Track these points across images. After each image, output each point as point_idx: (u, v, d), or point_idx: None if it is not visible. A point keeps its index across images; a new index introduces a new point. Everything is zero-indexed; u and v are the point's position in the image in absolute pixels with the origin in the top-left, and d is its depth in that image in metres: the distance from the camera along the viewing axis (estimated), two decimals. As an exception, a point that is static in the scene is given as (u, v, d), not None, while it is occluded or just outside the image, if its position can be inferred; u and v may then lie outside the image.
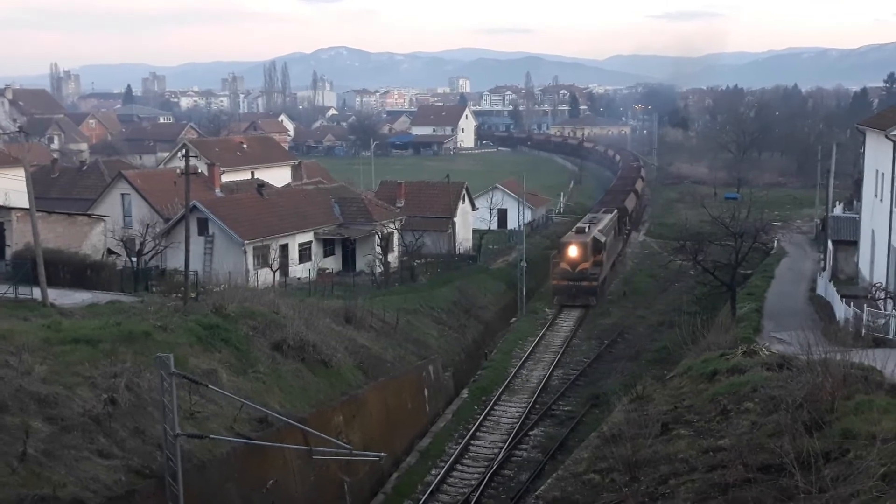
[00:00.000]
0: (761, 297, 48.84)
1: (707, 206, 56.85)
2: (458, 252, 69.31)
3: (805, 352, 22.19)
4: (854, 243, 50.97)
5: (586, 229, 59.79)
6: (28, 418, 19.55)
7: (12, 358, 21.66)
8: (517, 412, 39.05)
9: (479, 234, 73.85)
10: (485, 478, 31.37)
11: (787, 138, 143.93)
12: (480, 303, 55.74)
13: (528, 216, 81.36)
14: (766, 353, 27.80)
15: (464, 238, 72.85)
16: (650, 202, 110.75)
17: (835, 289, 43.54)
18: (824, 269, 52.85)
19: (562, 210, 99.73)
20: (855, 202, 64.28)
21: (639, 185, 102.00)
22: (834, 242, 52.73)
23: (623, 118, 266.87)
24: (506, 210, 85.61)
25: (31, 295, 31.90)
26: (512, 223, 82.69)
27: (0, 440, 18.43)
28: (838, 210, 62.77)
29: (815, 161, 78.95)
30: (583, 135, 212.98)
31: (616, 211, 72.92)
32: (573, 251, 56.64)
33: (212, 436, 21.99)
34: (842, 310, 38.56)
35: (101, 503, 18.33)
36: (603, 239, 59.82)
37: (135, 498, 19.33)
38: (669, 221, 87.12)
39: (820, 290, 48.67)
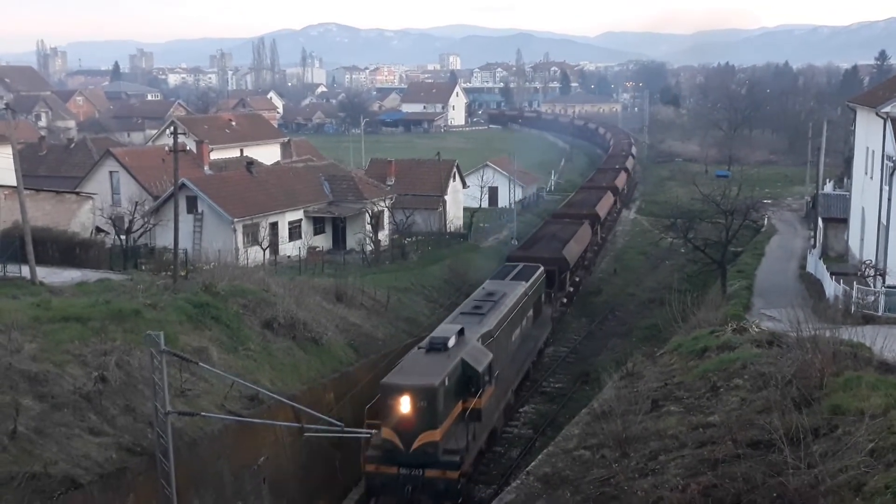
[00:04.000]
0: (751, 274, 49.03)
1: (698, 184, 56.80)
2: (448, 230, 69.20)
3: (795, 329, 22.30)
4: (844, 221, 51.13)
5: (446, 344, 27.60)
6: (18, 396, 19.51)
7: (1, 336, 21.58)
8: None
9: (469, 212, 73.71)
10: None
11: (778, 116, 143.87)
12: (471, 280, 55.76)
13: (519, 194, 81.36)
14: (756, 330, 27.94)
15: (454, 216, 72.72)
16: (641, 180, 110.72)
17: (825, 266, 43.70)
18: (814, 246, 53.03)
19: (553, 188, 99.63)
20: (845, 179, 64.47)
21: (629, 163, 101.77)
22: (824, 220, 52.88)
23: (614, 95, 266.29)
24: (497, 188, 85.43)
25: (20, 273, 31.73)
26: (503, 201, 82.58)
27: (-10, 418, 18.37)
28: (829, 188, 62.86)
29: (806, 139, 78.92)
30: (574, 112, 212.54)
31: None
32: (405, 405, 24.77)
33: (203, 413, 22.00)
34: (831, 287, 38.71)
35: (92, 480, 18.34)
36: (485, 363, 28.21)
37: (126, 475, 19.35)
38: (661, 199, 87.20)
39: (810, 268, 48.84)
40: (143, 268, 42.06)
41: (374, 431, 23.62)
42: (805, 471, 15.15)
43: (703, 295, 40.14)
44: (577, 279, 54.86)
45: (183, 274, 34.53)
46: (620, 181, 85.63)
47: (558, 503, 16.64)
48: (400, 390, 24.78)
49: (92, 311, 25.31)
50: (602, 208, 67.82)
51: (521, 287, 37.72)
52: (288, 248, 56.77)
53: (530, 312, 38.82)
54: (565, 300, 49.69)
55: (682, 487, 15.74)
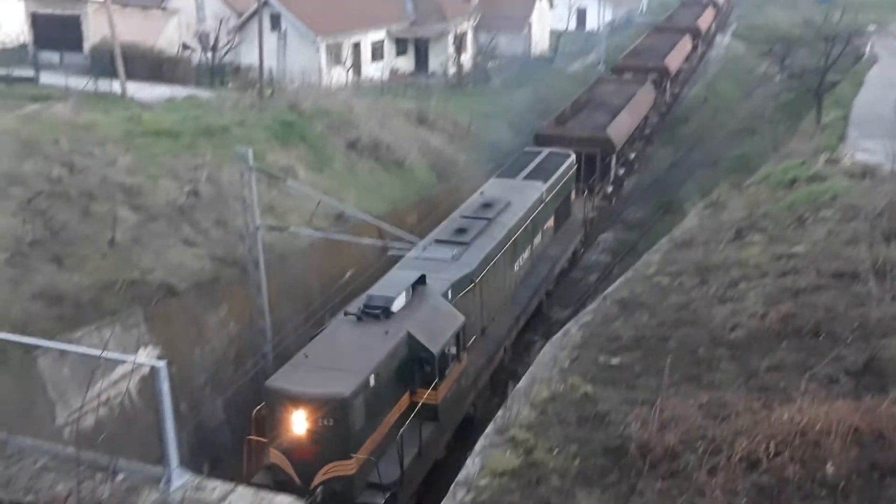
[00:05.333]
0: (848, 104, 46.86)
1: (799, 8, 53.65)
2: (533, 54, 67.43)
3: (890, 161, 21.52)
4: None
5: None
6: (115, 207, 20.29)
7: (97, 149, 22.24)
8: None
9: (556, 35, 71.46)
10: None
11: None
12: (555, 106, 54.83)
13: (608, 16, 78.20)
14: (849, 161, 27.08)
15: (540, 39, 70.60)
16: (738, 2, 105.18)
17: (928, 98, 41.53)
18: (919, 77, 50.22)
19: (644, 10, 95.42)
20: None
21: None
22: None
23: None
24: (585, 10, 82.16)
25: (111, 88, 32.32)
26: (591, 24, 79.64)
27: (90, 227, 19.25)
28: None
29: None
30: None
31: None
32: (300, 424, 15.59)
33: (291, 228, 22.67)
34: (933, 120, 36.94)
35: (187, 288, 19.27)
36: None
37: (219, 284, 20.26)
38: (759, 23, 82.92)
39: (912, 100, 46.47)
40: (229, 85, 42.37)
41: (454, 252, 21.87)
42: (889, 303, 15.01)
43: (796, 125, 38.82)
44: (632, 157, 44.02)
45: (268, 93, 34.73)
46: (705, 20, 71.13)
47: (635, 325, 16.90)
48: (292, 400, 15.43)
49: (182, 126, 25.82)
50: (674, 60, 55.35)
51: (537, 191, 27.69)
52: (370, 70, 56.28)
53: (549, 223, 29.47)
54: (610, 189, 38.84)
55: (761, 315, 15.78)
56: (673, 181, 44.73)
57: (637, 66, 52.41)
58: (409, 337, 17.46)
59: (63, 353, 15.01)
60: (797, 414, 10.86)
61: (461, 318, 19.18)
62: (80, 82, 32.53)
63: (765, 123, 36.52)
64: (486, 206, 25.39)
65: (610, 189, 38.60)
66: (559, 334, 17.87)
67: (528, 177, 29.06)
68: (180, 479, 7.74)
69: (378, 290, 18.70)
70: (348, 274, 24.29)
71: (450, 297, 19.74)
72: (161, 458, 7.98)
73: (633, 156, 43.93)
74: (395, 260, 22.43)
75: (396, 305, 18.01)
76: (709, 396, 12.46)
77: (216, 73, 44.69)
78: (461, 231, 23.29)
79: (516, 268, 25.50)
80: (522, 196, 26.69)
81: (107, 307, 17.30)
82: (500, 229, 23.93)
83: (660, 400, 12.39)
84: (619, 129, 38.70)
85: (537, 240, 27.74)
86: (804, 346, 14.33)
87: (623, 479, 11.08)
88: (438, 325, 18.36)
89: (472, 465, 12.20)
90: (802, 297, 16.29)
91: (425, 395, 17.26)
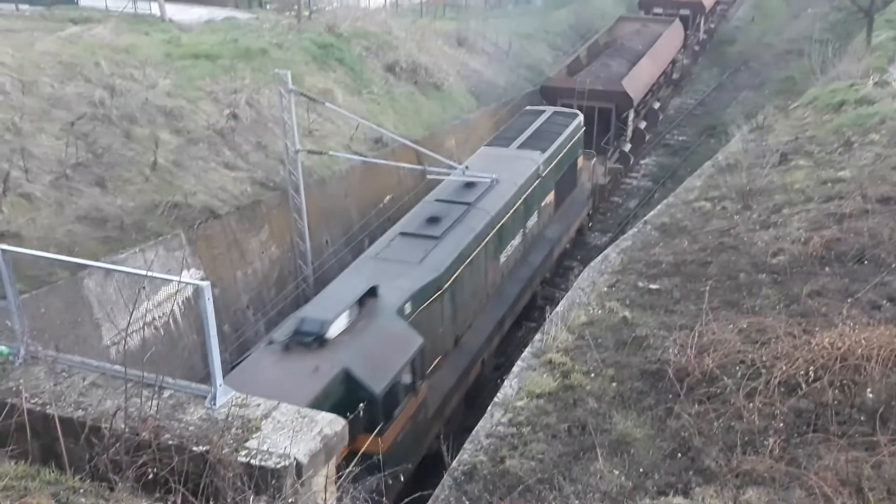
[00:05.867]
0: (902, 24, 45.38)
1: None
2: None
3: (945, 82, 20.89)
4: None
5: None
6: (156, 130, 20.41)
7: (137, 72, 22.26)
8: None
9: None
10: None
11: None
12: (598, 27, 53.74)
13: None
14: (901, 84, 26.36)
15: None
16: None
17: None
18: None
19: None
20: None
21: None
22: None
23: None
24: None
25: (150, 10, 32.20)
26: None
27: (132, 150, 19.40)
28: None
29: None
30: None
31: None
32: None
33: (331, 152, 22.69)
34: None
35: (229, 211, 19.45)
36: None
37: (260, 208, 20.43)
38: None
39: (969, 19, 44.80)
40: (268, 7, 42.00)
41: (494, 176, 21.78)
42: (937, 228, 14.74)
43: (845, 46, 37.69)
44: (656, 107, 39.87)
45: (307, 14, 34.40)
46: None
47: (675, 251, 16.80)
48: None
49: (221, 48, 25.72)
50: None
51: (533, 163, 23.39)
52: (409, -10, 55.39)
53: (549, 198, 25.03)
54: (628, 147, 35.16)
55: (804, 240, 15.60)
56: (717, 104, 43.96)
57: (667, 1, 48.38)
58: (346, 375, 13.60)
59: (108, 273, 15.31)
60: (838, 339, 10.79)
61: (418, 341, 15.27)
62: (119, 4, 32.41)
63: (813, 44, 35.44)
64: (469, 185, 21.17)
65: (628, 147, 35.01)
66: (598, 259, 17.84)
67: (523, 145, 24.63)
68: (225, 395, 7.92)
69: (314, 308, 15.09)
70: (387, 198, 24.36)
71: (408, 311, 15.86)
72: (206, 377, 8.16)
73: (657, 105, 39.91)
74: (434, 184, 22.40)
75: (334, 330, 14.19)
76: (748, 321, 12.42)
77: (254, -5, 44.25)
78: (433, 221, 19.16)
79: (503, 259, 21.50)
80: (515, 170, 22.48)
81: (150, 229, 17.53)
82: (482, 217, 19.89)
83: (699, 324, 12.38)
84: (638, 80, 34.52)
85: (532, 221, 23.46)
86: (847, 272, 14.18)
87: (660, 403, 11.16)
88: (387, 354, 14.52)
89: (509, 386, 12.35)
90: (847, 223, 16.05)
91: (367, 443, 12.11)
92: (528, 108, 28.70)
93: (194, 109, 22.03)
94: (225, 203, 19.66)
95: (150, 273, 9.61)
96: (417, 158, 25.11)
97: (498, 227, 20.62)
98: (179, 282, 9.51)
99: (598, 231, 30.80)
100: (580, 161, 27.98)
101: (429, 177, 22.47)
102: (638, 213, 30.08)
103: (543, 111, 27.58)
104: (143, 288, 14.94)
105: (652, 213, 20.71)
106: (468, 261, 18.67)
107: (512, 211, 21.49)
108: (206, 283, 7.59)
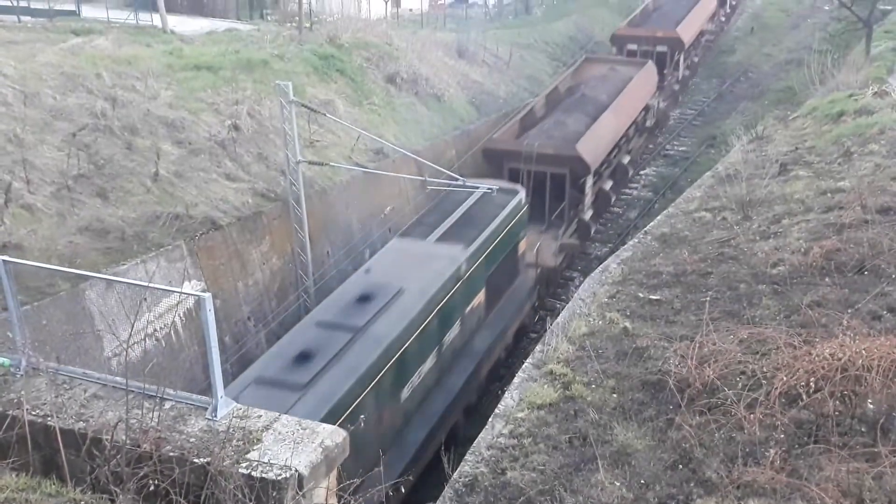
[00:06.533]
0: (901, 35, 45.53)
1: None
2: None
3: (944, 93, 20.95)
4: None
5: None
6: (158, 141, 20.46)
7: (138, 83, 22.34)
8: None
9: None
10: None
11: None
12: (598, 38, 53.87)
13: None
14: (900, 94, 26.42)
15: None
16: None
17: None
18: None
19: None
20: None
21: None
22: None
23: None
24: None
25: (152, 21, 32.31)
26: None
27: (133, 161, 19.45)
28: None
29: None
30: None
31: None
32: None
33: (332, 163, 22.75)
34: None
35: (230, 222, 19.48)
36: None
37: (261, 219, 20.46)
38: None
39: (968, 29, 44.93)
40: (269, 18, 42.17)
41: (495, 186, 21.77)
42: (937, 239, 14.76)
43: (844, 56, 37.82)
44: (627, 161, 34.65)
45: (308, 25, 34.53)
46: None
47: (675, 261, 16.82)
48: None
49: (222, 60, 25.81)
50: (689, 28, 44.95)
51: (453, 263, 19.05)
52: (409, 1, 55.60)
53: (476, 301, 20.49)
54: (589, 215, 30.14)
55: (804, 250, 15.61)
56: (717, 114, 44.05)
57: (638, 36, 43.32)
58: None
59: (110, 284, 15.33)
60: (838, 350, 10.79)
61: None
62: (121, 15, 32.55)
63: (812, 55, 35.55)
64: (364, 299, 16.81)
65: (588, 215, 30.09)
66: (598, 270, 17.85)
67: (444, 237, 20.15)
68: (226, 407, 7.94)
69: None
70: (388, 209, 24.40)
71: None
72: (207, 389, 8.17)
73: (626, 160, 34.76)
74: (433, 195, 22.41)
75: None
76: (749, 332, 12.42)
77: (256, 6, 44.46)
78: (302, 360, 14.78)
79: (405, 395, 16.87)
80: (428, 272, 18.21)
81: (152, 241, 17.55)
82: (373, 348, 15.44)
83: (699, 335, 12.38)
84: (598, 140, 29.84)
85: (451, 335, 19.06)
86: (847, 283, 14.18)
87: (661, 414, 11.16)
88: None
89: (510, 398, 12.35)
90: (847, 233, 16.06)
91: None
92: (460, 181, 22.41)
93: (196, 120, 22.08)
94: (226, 214, 19.69)
95: (151, 284, 9.64)
96: (418, 169, 25.17)
97: (397, 356, 16.06)
98: (181, 293, 9.53)
99: (598, 242, 30.83)
100: (522, 245, 23.90)
101: (429, 188, 22.52)
102: (638, 224, 30.11)
103: (476, 189, 22.31)
104: (145, 299, 14.97)
105: (652, 223, 20.71)
106: (346, 415, 13.81)
107: (420, 331, 16.94)
108: (207, 295, 7.61)
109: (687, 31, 44.61)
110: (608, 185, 32.18)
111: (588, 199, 29.85)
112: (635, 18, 47.61)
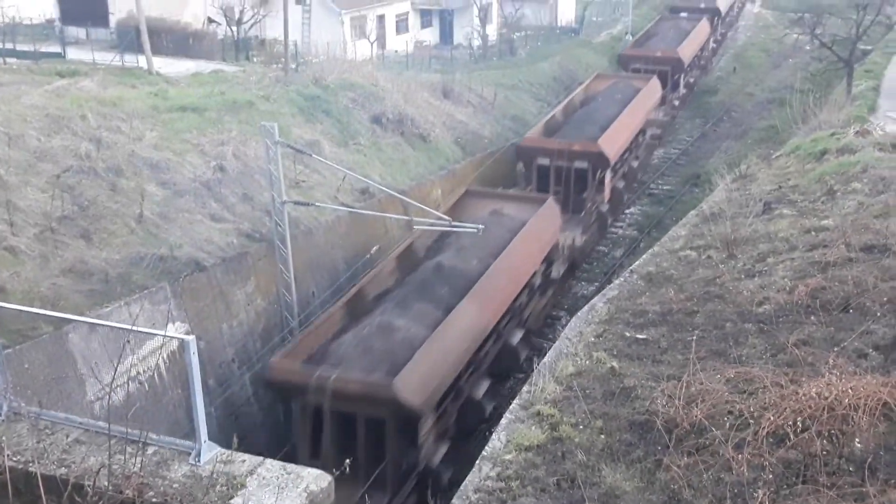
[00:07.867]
0: (880, 74, 46.11)
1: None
2: (559, 24, 66.86)
3: (923, 132, 21.21)
4: None
5: None
6: (142, 182, 20.44)
7: (123, 124, 22.38)
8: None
9: (582, 5, 70.75)
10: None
11: None
12: (581, 78, 54.40)
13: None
14: (880, 133, 26.72)
15: (566, 9, 70.01)
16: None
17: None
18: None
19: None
20: None
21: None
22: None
23: None
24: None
25: (137, 63, 32.43)
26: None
27: (118, 202, 19.41)
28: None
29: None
30: None
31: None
32: None
33: (317, 203, 22.73)
34: (968, 90, 36.28)
35: (215, 263, 19.40)
36: None
37: (246, 260, 20.39)
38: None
39: (946, 70, 45.61)
40: (255, 59, 42.41)
41: (481, 226, 21.54)
42: (920, 277, 14.84)
43: (826, 96, 38.26)
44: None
45: (293, 66, 34.73)
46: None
47: (661, 300, 16.82)
48: None
49: (208, 101, 25.91)
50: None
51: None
52: (395, 42, 56.12)
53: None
54: (606, 207, 33.62)
55: (789, 289, 15.66)
56: (701, 153, 44.40)
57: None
58: None
59: (93, 327, 15.19)
60: (825, 389, 10.78)
61: None
62: (106, 57, 32.67)
63: (794, 94, 35.98)
64: None
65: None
66: (585, 309, 17.82)
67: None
68: (210, 452, 7.83)
69: None
70: (374, 249, 24.37)
71: None
72: (190, 433, 8.07)
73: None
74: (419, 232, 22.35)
75: None
76: (736, 371, 12.40)
77: (241, 47, 44.74)
78: None
79: None
80: None
81: (135, 282, 17.45)
82: None
83: (686, 375, 12.35)
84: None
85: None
86: (833, 321, 14.21)
87: (649, 455, 11.08)
88: None
89: (497, 439, 12.25)
90: (831, 271, 16.13)
91: None
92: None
93: (181, 162, 22.09)
94: (211, 255, 19.62)
95: (134, 328, 9.54)
96: (404, 208, 25.20)
97: None
98: (164, 336, 9.44)
99: (584, 280, 30.86)
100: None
101: (415, 227, 22.53)
102: (624, 263, 30.17)
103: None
104: (128, 342, 14.82)
105: (638, 262, 20.74)
106: None
107: None
108: (191, 338, 7.54)
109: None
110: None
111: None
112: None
